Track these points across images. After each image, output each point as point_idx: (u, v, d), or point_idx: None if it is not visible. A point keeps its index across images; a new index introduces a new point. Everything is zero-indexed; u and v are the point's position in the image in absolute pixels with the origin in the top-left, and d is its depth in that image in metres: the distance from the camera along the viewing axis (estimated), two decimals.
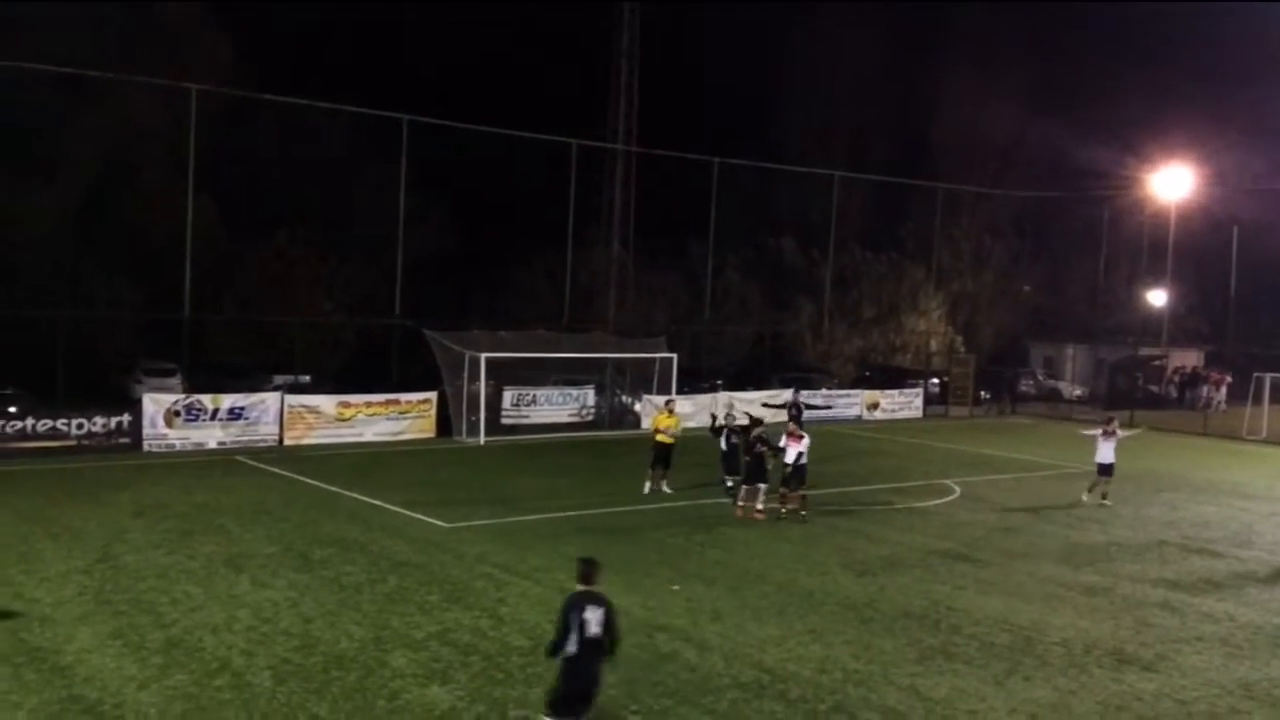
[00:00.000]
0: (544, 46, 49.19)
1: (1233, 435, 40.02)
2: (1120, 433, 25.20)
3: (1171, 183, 48.68)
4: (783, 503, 21.62)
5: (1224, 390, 50.53)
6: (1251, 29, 57.13)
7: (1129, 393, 48.14)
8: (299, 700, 11.32)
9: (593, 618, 9.57)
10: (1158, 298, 56.46)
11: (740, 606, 15.38)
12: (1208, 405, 48.34)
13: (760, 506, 21.41)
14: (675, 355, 35.45)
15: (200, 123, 31.50)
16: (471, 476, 25.94)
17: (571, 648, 9.54)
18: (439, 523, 20.14)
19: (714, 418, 24.49)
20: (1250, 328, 51.94)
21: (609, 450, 30.58)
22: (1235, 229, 51.11)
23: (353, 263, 40.64)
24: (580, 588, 9.78)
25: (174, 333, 32.41)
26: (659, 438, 23.67)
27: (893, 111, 54.65)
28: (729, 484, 22.62)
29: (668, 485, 23.54)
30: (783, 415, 29.61)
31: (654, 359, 35.45)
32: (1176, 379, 53.71)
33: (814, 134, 53.46)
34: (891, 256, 52.71)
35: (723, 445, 22.96)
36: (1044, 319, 57.91)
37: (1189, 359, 56.91)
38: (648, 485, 23.49)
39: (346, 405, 30.64)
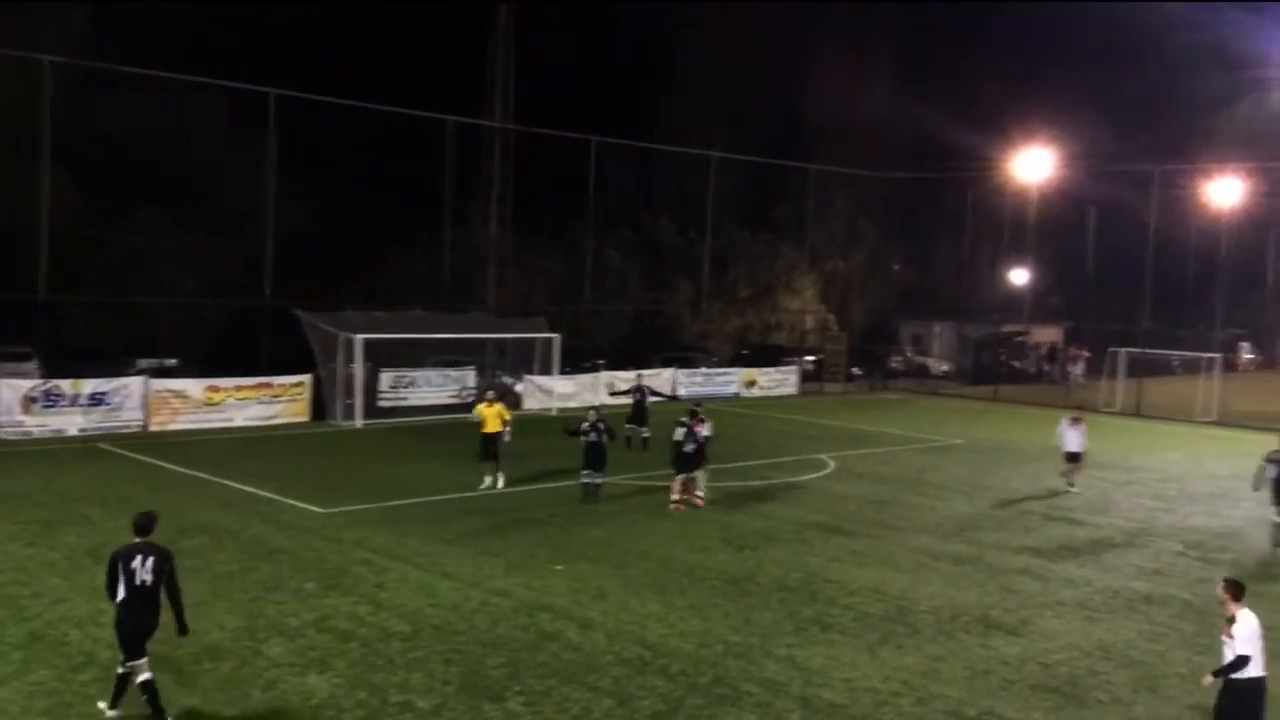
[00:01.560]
0: (421, 21, 48.21)
1: (1090, 408, 41.79)
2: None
3: (1032, 164, 50.46)
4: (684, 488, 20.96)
5: (1082, 365, 52.77)
6: (1108, 14, 59.62)
7: (993, 368, 49.96)
8: (170, 693, 10.96)
9: (141, 566, 10.23)
10: (1019, 276, 58.63)
11: (623, 584, 15.49)
12: (1067, 379, 50.42)
13: (700, 493, 20.69)
14: (558, 335, 35.38)
15: (55, 95, 30.05)
16: (348, 461, 25.47)
17: (121, 593, 10.21)
18: (315, 508, 19.75)
19: (566, 426, 22.41)
20: (1106, 304, 54.30)
21: None
22: (1092, 209, 53.32)
23: (220, 241, 39.31)
24: (136, 540, 10.37)
25: (29, 315, 30.93)
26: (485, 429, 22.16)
27: (768, 94, 55.32)
28: (585, 478, 21.05)
29: (502, 479, 22.07)
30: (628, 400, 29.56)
31: (535, 339, 35.31)
32: (1039, 353, 55.90)
33: (692, 115, 53.74)
34: (767, 237, 53.47)
35: (583, 440, 21.17)
36: (912, 297, 59.59)
37: (1049, 335, 59.27)
38: (486, 479, 22.06)
39: (215, 389, 29.76)
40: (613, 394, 28.60)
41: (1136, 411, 40.84)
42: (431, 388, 33.89)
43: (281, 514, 19.30)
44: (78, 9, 37.12)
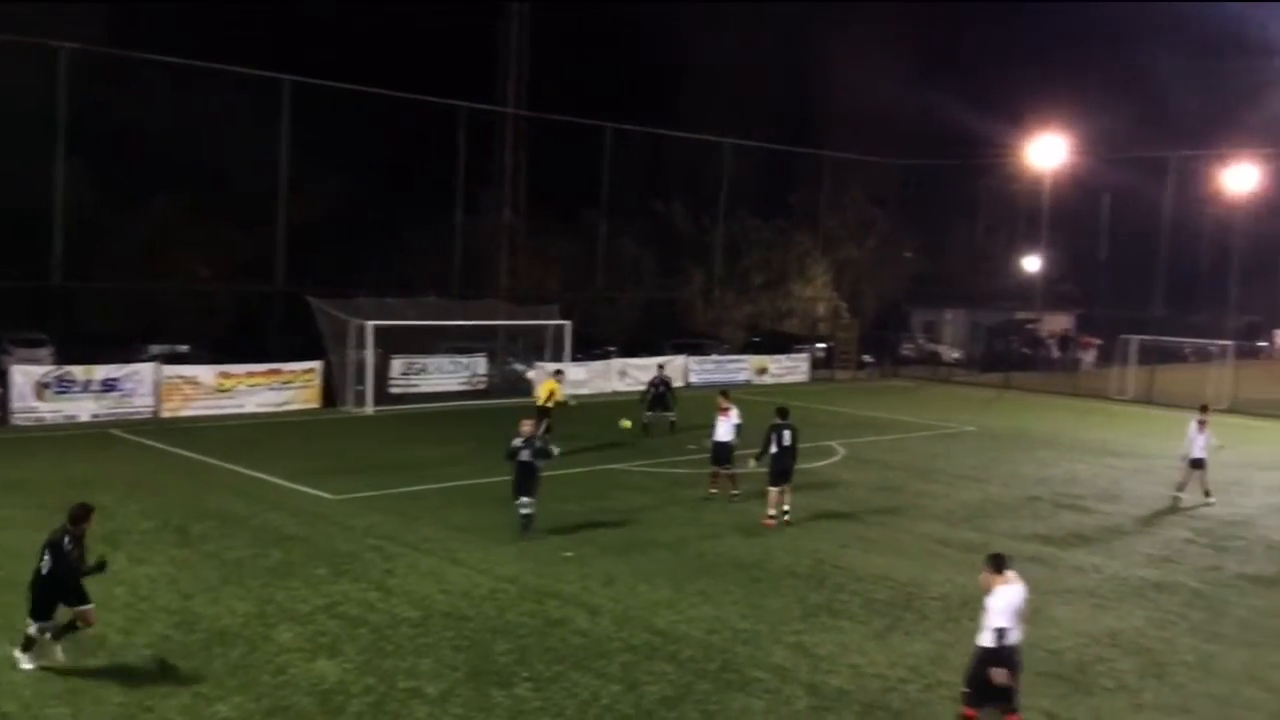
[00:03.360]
0: (435, 8, 48.21)
1: (1101, 395, 41.71)
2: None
3: (1046, 151, 50.19)
4: (714, 482, 20.62)
5: (1093, 352, 52.55)
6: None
7: (1005, 356, 49.83)
8: (180, 677, 11.09)
9: (43, 559, 11.45)
10: (1032, 263, 58.38)
11: (632, 570, 15.53)
12: (1076, 366, 50.26)
13: (785, 506, 18.89)
14: (569, 323, 35.41)
15: (71, 83, 30.15)
16: (359, 447, 25.56)
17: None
18: (325, 495, 19.83)
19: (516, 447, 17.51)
20: (1118, 292, 54.05)
21: (501, 419, 30.34)
22: (1106, 196, 53.00)
23: (233, 229, 39.47)
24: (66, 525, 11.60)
25: (44, 302, 31.10)
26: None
27: (782, 80, 55.26)
28: (523, 509, 17.23)
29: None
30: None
31: (547, 326, 35.36)
32: (1052, 340, 55.75)
33: (705, 101, 53.62)
34: (780, 224, 53.35)
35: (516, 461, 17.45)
36: (924, 284, 59.38)
37: (1061, 322, 59.05)
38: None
39: (227, 375, 29.85)
40: (641, 401, 28.73)
41: (1149, 399, 40.66)
42: (443, 374, 33.98)
43: (292, 500, 19.40)
44: (96, 6, 37.23)
